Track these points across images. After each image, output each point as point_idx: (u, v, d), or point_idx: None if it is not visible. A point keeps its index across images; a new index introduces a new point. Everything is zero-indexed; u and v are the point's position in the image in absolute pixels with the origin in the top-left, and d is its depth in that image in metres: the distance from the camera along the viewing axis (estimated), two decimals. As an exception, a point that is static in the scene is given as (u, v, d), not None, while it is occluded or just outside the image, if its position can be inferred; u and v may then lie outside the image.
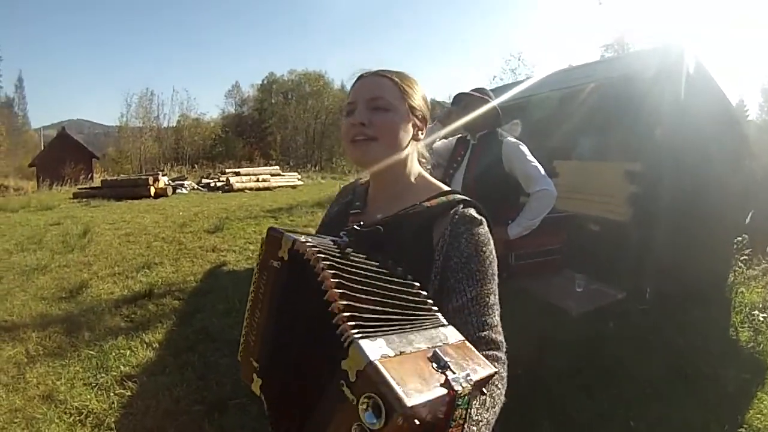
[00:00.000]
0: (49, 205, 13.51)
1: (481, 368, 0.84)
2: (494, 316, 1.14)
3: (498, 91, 4.70)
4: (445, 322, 0.95)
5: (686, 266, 5.60)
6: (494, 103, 3.32)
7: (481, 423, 0.95)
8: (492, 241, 1.21)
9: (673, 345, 4.55)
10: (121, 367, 4.01)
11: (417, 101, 1.29)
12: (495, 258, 1.20)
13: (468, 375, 0.80)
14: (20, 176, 37.81)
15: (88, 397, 3.57)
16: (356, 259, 0.99)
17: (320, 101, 48.12)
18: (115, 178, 20.23)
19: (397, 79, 1.28)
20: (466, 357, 0.86)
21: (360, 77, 1.32)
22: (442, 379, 0.77)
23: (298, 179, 22.40)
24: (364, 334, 0.79)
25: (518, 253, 4.58)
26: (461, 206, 1.21)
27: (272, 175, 21.14)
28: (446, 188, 1.31)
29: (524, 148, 3.21)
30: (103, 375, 3.88)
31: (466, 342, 0.91)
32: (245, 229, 9.72)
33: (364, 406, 0.73)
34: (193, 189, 18.26)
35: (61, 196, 16.33)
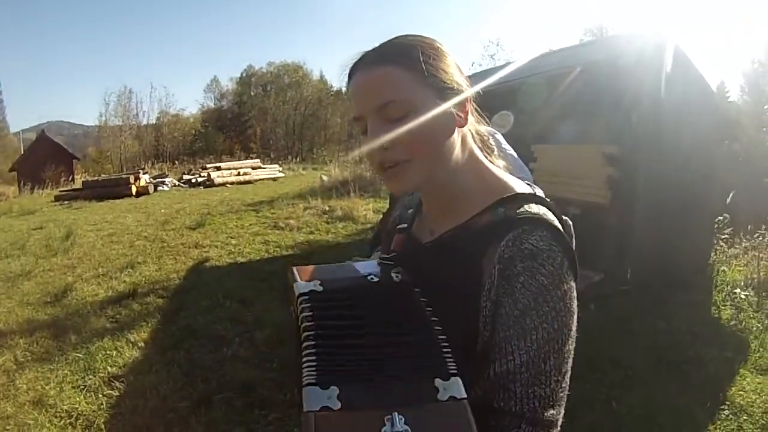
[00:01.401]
0: (31, 210, 13.39)
1: None
2: (550, 386, 0.83)
3: (476, 77, 4.71)
4: (453, 369, 0.74)
5: (667, 247, 5.67)
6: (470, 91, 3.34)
7: None
8: (569, 280, 0.86)
9: (655, 327, 4.62)
10: (108, 368, 4.03)
11: (444, 77, 0.90)
12: (570, 305, 0.85)
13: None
14: (0, 181, 37.36)
15: (78, 399, 3.58)
16: (358, 313, 0.80)
17: (300, 92, 47.76)
18: (96, 178, 19.96)
19: (402, 60, 0.87)
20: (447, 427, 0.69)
21: (353, 71, 0.92)
22: None
23: (279, 171, 22.34)
24: (323, 379, 0.69)
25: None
26: (520, 230, 0.85)
27: (253, 168, 21.05)
28: (513, 186, 0.96)
29: (499, 137, 3.22)
30: (91, 377, 3.89)
31: (466, 404, 0.71)
32: (227, 224, 9.77)
33: None
34: (175, 186, 18.14)
35: (43, 200, 16.13)
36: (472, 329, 0.84)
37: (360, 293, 0.83)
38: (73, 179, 26.41)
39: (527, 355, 0.81)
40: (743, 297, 5.43)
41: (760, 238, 6.73)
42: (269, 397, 3.54)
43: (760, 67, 28.00)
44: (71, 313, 5.21)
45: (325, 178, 16.72)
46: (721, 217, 6.68)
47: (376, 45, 0.93)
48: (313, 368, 0.70)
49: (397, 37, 0.93)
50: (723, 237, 6.73)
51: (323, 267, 0.90)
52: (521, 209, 0.88)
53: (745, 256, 6.66)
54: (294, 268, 0.88)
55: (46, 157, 29.59)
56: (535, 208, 0.89)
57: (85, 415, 3.41)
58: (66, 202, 14.96)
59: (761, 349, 4.32)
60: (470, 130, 0.98)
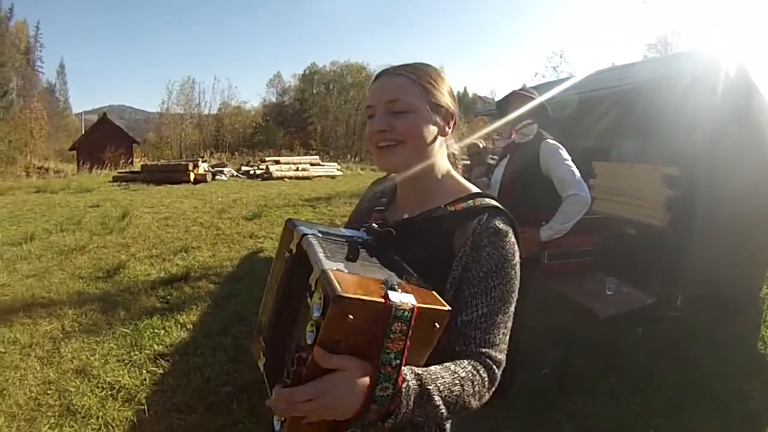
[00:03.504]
0: (89, 188, 13.77)
1: (434, 304, 0.90)
2: (500, 335, 1.11)
3: (539, 89, 4.68)
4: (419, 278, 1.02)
5: (720, 275, 5.50)
6: (539, 100, 3.33)
7: (445, 392, 0.96)
8: (517, 255, 1.16)
9: (702, 357, 4.45)
10: (155, 345, 4.12)
11: (440, 97, 1.23)
12: (518, 274, 1.15)
13: (412, 298, 0.87)
14: (60, 159, 38.70)
15: (121, 373, 3.67)
16: (360, 254, 1.06)
17: (362, 92, 47.75)
18: (155, 163, 20.47)
19: (414, 77, 1.21)
20: (422, 294, 0.91)
21: (377, 77, 1.27)
22: (383, 293, 0.85)
23: (338, 169, 22.14)
24: (330, 258, 0.92)
25: (551, 253, 4.56)
26: (486, 215, 1.16)
27: (312, 164, 20.97)
28: (475, 190, 1.27)
29: (563, 151, 3.19)
30: (136, 353, 3.98)
31: (433, 292, 0.96)
32: (283, 217, 9.62)
33: (315, 306, 0.86)
34: (233, 176, 18.27)
35: (101, 180, 16.60)
36: (438, 288, 1.02)
37: (350, 241, 1.10)
38: (132, 162, 27.28)
39: (487, 308, 1.09)
40: None
41: None
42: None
43: None
44: (122, 289, 5.34)
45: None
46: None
47: (408, 63, 1.25)
48: (323, 256, 0.92)
49: (415, 63, 1.26)
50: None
51: (316, 224, 1.15)
52: (485, 201, 1.20)
53: None
54: (293, 220, 1.14)
55: (106, 139, 30.66)
56: (494, 202, 1.20)
57: (127, 388, 3.48)
58: (124, 183, 15.28)
59: None
60: (449, 145, 1.31)
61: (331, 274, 0.84)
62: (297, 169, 19.06)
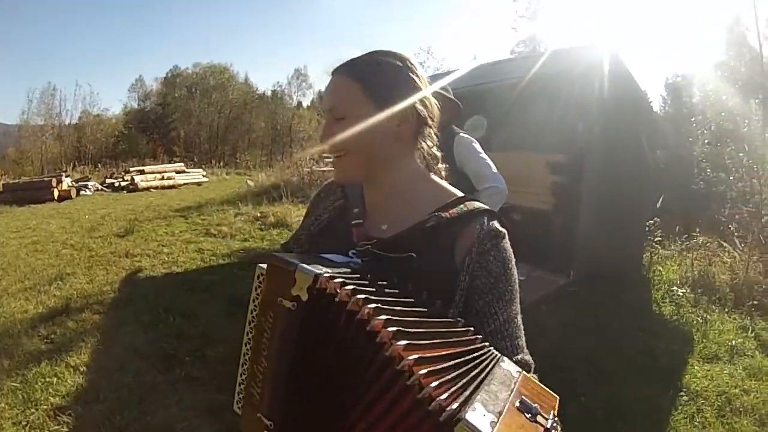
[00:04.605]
0: (-57, 214, 12.34)
1: (551, 400, 0.84)
2: (523, 337, 1.08)
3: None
4: (496, 353, 0.88)
5: (606, 249, 5.96)
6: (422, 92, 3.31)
7: None
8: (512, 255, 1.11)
9: (609, 325, 4.88)
10: (51, 398, 3.60)
11: (389, 93, 1.07)
12: (517, 273, 1.11)
13: (554, 416, 0.78)
14: None
15: (21, 439, 3.23)
16: (390, 291, 0.90)
17: (224, 95, 46.39)
18: (16, 181, 18.91)
19: (355, 75, 1.08)
20: (538, 393, 0.83)
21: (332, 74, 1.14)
22: (543, 430, 0.74)
23: (203, 176, 22.08)
24: (458, 402, 0.72)
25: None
26: (485, 218, 1.09)
27: (177, 172, 20.61)
28: (458, 193, 1.16)
29: (477, 145, 3.20)
30: (32, 410, 3.46)
31: (525, 374, 0.86)
32: (156, 231, 9.43)
33: None
34: (98, 190, 17.38)
35: (-40, 204, 15.05)
36: (446, 303, 0.98)
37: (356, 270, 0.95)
38: (-8, 181, 24.90)
39: (505, 314, 1.05)
40: (681, 294, 5.89)
41: (692, 240, 7.18)
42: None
43: (682, 80, 29.80)
44: (0, 333, 4.74)
45: (251, 183, 16.61)
46: (652, 221, 6.99)
47: (356, 56, 1.11)
48: (440, 390, 0.73)
49: (371, 52, 1.12)
50: (656, 239, 7.03)
51: (301, 256, 0.97)
52: (476, 204, 1.11)
53: (679, 257, 7.06)
54: (276, 255, 0.92)
55: (-40, 157, 27.88)
56: (483, 204, 1.12)
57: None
58: (-16, 206, 13.94)
59: (704, 340, 4.78)
60: (422, 148, 1.18)
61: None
62: (163, 178, 18.63)
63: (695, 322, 5.18)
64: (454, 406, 0.70)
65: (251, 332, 0.96)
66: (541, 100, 5.81)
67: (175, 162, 26.04)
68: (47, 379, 3.86)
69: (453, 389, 0.73)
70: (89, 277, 6.54)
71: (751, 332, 5.00)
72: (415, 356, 0.75)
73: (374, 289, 0.87)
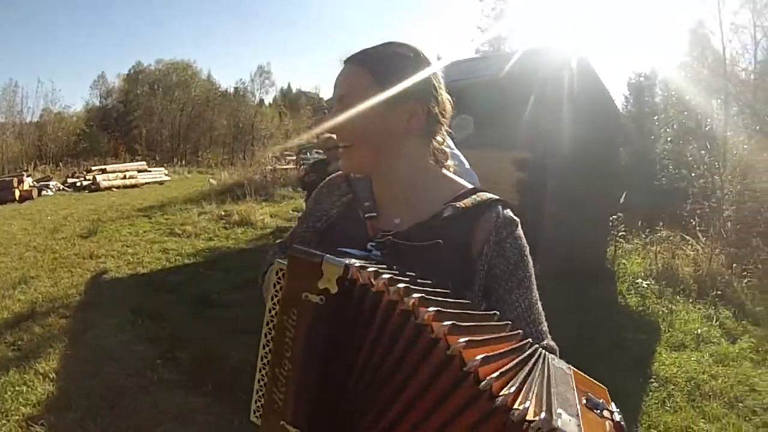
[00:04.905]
0: None
1: (604, 391, 0.83)
2: (545, 323, 1.10)
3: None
4: (538, 346, 0.86)
5: (572, 244, 6.05)
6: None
7: None
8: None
9: (581, 320, 4.93)
10: (21, 408, 3.46)
11: (404, 83, 1.04)
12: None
13: (614, 406, 0.77)
14: None
15: (-8, 451, 3.10)
16: (424, 282, 0.84)
17: (187, 92, 45.44)
18: (-24, 181, 18.32)
19: (366, 65, 1.06)
20: (591, 386, 0.82)
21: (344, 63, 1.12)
22: (613, 424, 0.74)
23: (165, 174, 21.77)
24: (540, 408, 0.66)
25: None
26: (500, 206, 1.09)
27: (139, 171, 20.29)
28: (467, 185, 1.16)
29: (449, 141, 3.22)
30: (3, 421, 3.33)
31: (573, 369, 0.85)
32: (120, 231, 9.31)
33: None
34: (59, 190, 16.99)
35: None
36: (467, 294, 0.98)
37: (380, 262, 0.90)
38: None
39: (527, 300, 1.07)
40: (645, 285, 6.02)
41: (655, 234, 7.38)
42: (215, 423, 3.26)
43: (644, 80, 30.53)
44: None
45: (213, 182, 16.45)
46: (615, 216, 7.15)
47: (369, 47, 1.10)
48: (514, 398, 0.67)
49: (385, 43, 1.10)
50: (619, 234, 7.20)
51: (318, 249, 0.85)
52: (488, 195, 1.11)
53: (643, 250, 7.24)
54: (298, 248, 0.84)
55: None
56: (494, 195, 1.13)
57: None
58: (-56, 208, 13.43)
59: (671, 330, 4.96)
60: (432, 143, 1.16)
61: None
62: (125, 177, 18.36)
63: (661, 312, 5.36)
64: (543, 416, 0.64)
65: (270, 333, 0.87)
66: (509, 98, 5.88)
67: (137, 161, 25.53)
68: (17, 388, 3.71)
69: (522, 393, 0.68)
70: (54, 279, 6.39)
71: (716, 321, 5.19)
72: (481, 356, 0.68)
73: (408, 279, 0.81)
